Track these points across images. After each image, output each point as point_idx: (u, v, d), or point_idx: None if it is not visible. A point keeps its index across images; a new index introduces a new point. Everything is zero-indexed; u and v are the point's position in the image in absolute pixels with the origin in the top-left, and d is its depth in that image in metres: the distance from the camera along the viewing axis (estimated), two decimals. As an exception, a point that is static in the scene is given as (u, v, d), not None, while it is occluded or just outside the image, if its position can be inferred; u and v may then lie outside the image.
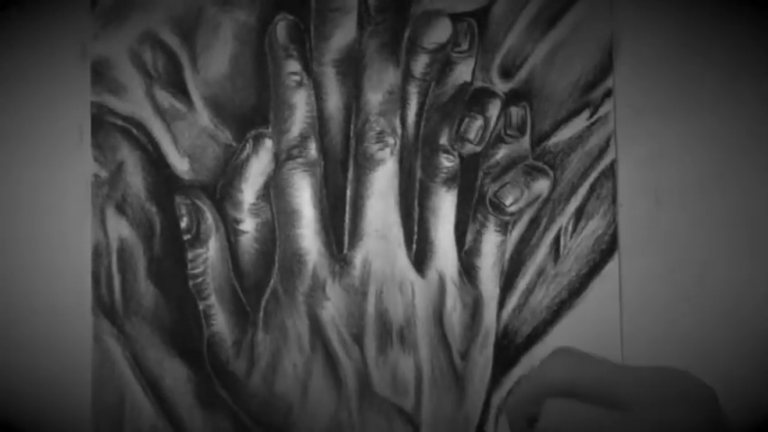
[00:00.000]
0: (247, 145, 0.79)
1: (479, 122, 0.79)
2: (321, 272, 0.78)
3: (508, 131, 0.79)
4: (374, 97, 0.79)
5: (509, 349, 0.78)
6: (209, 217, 0.78)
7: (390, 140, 0.78)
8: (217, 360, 0.78)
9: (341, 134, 0.79)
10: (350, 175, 0.79)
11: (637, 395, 0.28)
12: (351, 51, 0.79)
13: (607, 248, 0.78)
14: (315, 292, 0.78)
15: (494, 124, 0.79)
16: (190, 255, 0.78)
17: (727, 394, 0.79)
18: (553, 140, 0.79)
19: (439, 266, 0.78)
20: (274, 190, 0.78)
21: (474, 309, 0.78)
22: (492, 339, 0.78)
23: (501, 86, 0.79)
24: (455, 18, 0.79)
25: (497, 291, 0.78)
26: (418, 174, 0.79)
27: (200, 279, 0.78)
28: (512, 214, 0.78)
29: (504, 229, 0.79)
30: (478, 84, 0.79)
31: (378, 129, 0.78)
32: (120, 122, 0.79)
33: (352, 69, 0.79)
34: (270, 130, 0.79)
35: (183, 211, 0.79)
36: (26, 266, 0.79)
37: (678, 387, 0.28)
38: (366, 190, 0.78)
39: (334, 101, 0.79)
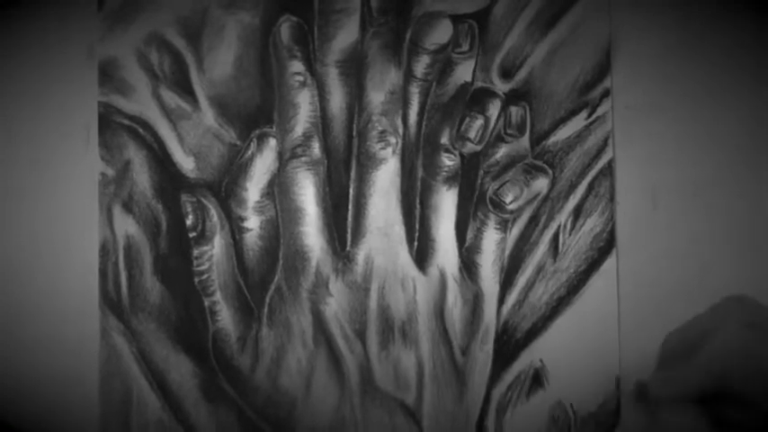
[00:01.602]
0: (252, 144, 0.79)
1: (480, 122, 0.79)
2: (324, 269, 0.78)
3: (508, 131, 0.79)
4: (376, 97, 0.79)
5: (509, 345, 0.78)
6: (215, 215, 0.79)
7: (392, 140, 0.79)
8: (222, 355, 0.78)
9: (344, 133, 0.79)
10: (352, 173, 0.79)
11: None
12: (353, 52, 0.79)
13: (605, 246, 0.79)
14: (318, 289, 0.78)
15: (494, 124, 0.79)
16: (195, 252, 0.78)
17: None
18: (552, 140, 0.79)
19: (440, 263, 0.78)
20: (278, 188, 0.79)
21: (474, 305, 0.78)
22: (492, 335, 0.78)
23: (501, 86, 0.79)
24: (456, 19, 0.80)
25: (497, 287, 0.79)
26: (420, 172, 0.79)
27: (205, 276, 0.78)
28: (511, 212, 0.79)
29: (504, 226, 0.79)
30: (479, 84, 0.79)
31: (380, 128, 0.79)
32: (126, 122, 0.79)
33: (355, 70, 0.79)
34: (274, 129, 0.79)
35: (189, 208, 0.79)
36: (34, 264, 0.79)
37: None
38: (368, 188, 0.79)
39: (337, 101, 0.79)
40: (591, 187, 0.79)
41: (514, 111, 0.79)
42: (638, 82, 0.80)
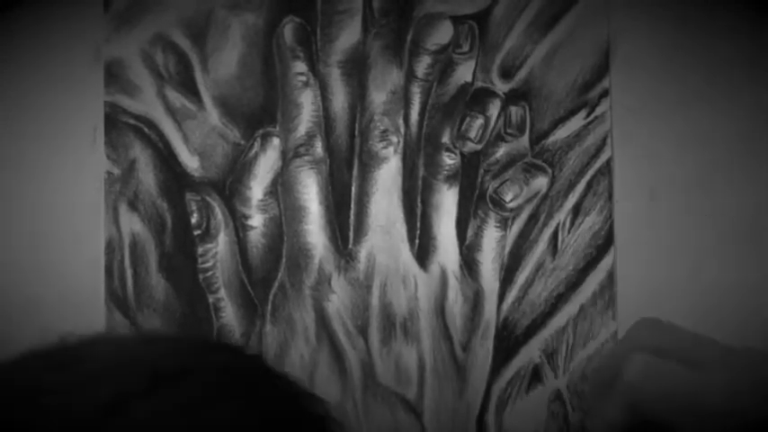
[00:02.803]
0: (255, 143, 0.80)
1: (480, 121, 0.79)
2: (327, 266, 0.79)
3: (508, 130, 0.80)
4: (378, 97, 0.80)
5: (509, 341, 0.79)
6: (219, 213, 0.79)
7: (394, 139, 0.79)
8: (226, 351, 0.79)
9: (346, 133, 0.80)
10: (355, 172, 0.79)
11: (720, 366, 0.28)
12: (356, 53, 0.80)
13: (603, 244, 0.79)
14: (321, 286, 0.79)
15: (494, 123, 0.80)
16: (200, 249, 0.79)
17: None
18: (551, 139, 0.80)
19: (441, 261, 0.79)
20: (282, 187, 0.79)
21: (475, 302, 0.79)
22: (492, 331, 0.79)
23: (501, 86, 0.80)
24: (456, 20, 0.80)
25: (497, 284, 0.79)
26: (421, 171, 0.80)
27: (209, 273, 0.79)
28: (511, 210, 0.79)
29: (504, 224, 0.79)
30: (479, 84, 0.80)
31: (382, 128, 0.79)
32: (132, 121, 0.80)
33: (357, 70, 0.80)
34: (277, 128, 0.80)
35: (194, 207, 0.79)
36: (42, 260, 0.80)
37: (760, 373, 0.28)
38: (370, 187, 0.79)
39: (340, 101, 0.80)
40: (590, 186, 0.80)
41: (514, 110, 0.80)
42: (636, 82, 0.80)
